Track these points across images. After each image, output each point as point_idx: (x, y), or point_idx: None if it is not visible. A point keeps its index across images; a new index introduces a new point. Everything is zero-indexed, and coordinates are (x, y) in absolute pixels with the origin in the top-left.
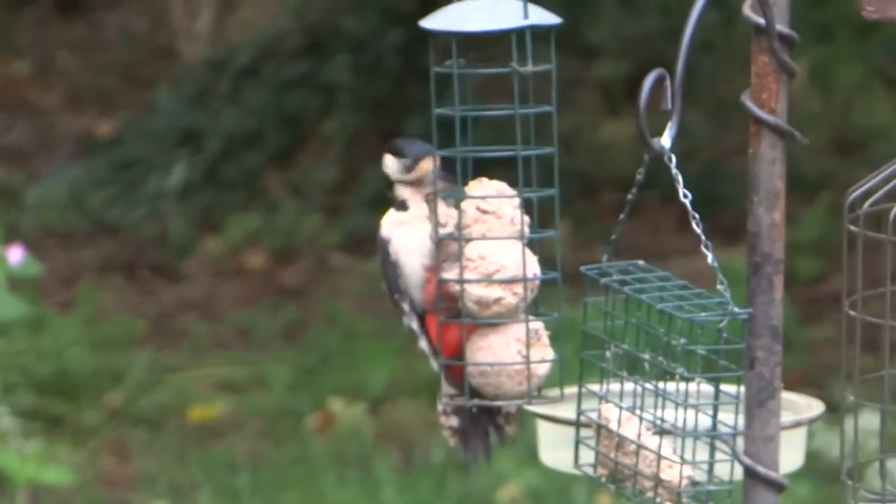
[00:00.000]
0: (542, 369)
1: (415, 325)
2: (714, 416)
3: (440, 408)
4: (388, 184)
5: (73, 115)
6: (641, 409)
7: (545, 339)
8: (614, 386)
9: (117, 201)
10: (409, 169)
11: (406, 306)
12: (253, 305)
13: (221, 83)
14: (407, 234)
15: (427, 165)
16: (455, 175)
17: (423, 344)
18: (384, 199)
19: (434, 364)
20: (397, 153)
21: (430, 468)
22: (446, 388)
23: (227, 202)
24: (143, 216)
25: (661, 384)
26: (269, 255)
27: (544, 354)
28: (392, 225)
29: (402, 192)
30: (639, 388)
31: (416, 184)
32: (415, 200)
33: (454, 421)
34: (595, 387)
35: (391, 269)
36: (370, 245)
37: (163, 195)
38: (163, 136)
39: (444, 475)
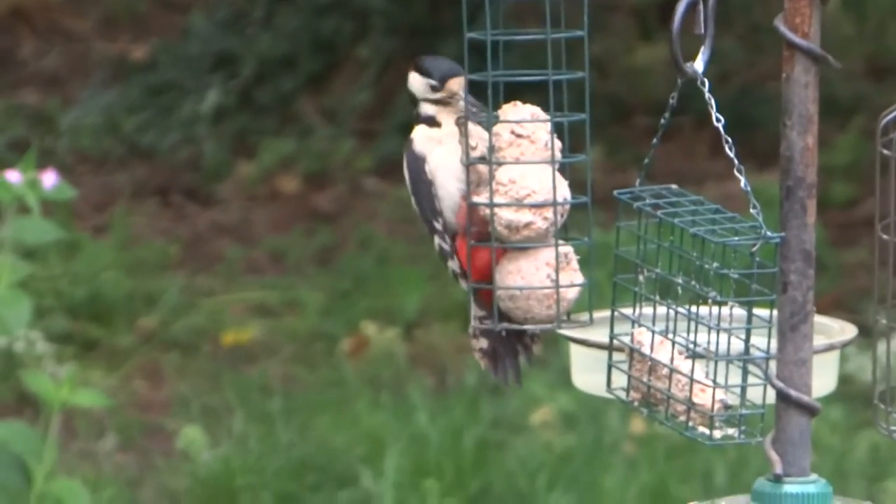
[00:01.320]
0: (571, 293)
1: (446, 245)
2: (746, 340)
3: (470, 330)
4: (413, 101)
5: (107, 40)
6: (674, 333)
7: (575, 264)
8: (647, 310)
9: (151, 126)
10: (435, 90)
11: (439, 226)
12: (286, 230)
13: (256, 7)
14: (445, 154)
15: (455, 85)
16: (485, 100)
17: (453, 264)
18: (413, 124)
19: (464, 285)
20: (423, 72)
21: (463, 392)
22: (476, 311)
23: (260, 127)
24: (176, 141)
25: (693, 308)
26: (303, 179)
27: (574, 279)
28: (426, 141)
29: (429, 109)
30: (671, 312)
31: (443, 103)
32: (445, 118)
33: (484, 342)
34: (628, 311)
35: (426, 188)
36: (401, 172)
37: (196, 120)
38: (197, 60)
39: (476, 399)
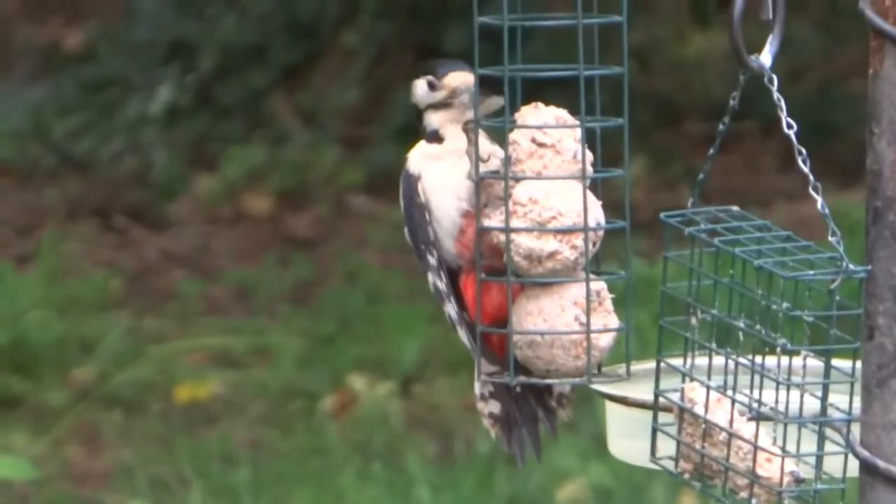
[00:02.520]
0: (604, 340)
1: (442, 284)
2: (824, 399)
3: (477, 390)
4: (418, 113)
5: (34, 23)
6: (734, 389)
7: (609, 304)
8: (701, 360)
9: (88, 131)
10: (433, 88)
11: (432, 259)
12: (255, 260)
13: None
14: (441, 170)
15: (455, 80)
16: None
17: (449, 308)
18: (414, 128)
19: (462, 335)
20: (425, 71)
21: (474, 462)
22: (485, 365)
23: (224, 132)
24: (120, 149)
25: (758, 358)
26: (276, 197)
27: (608, 322)
28: (422, 158)
29: (434, 120)
30: (731, 364)
31: (449, 108)
32: (450, 131)
33: (495, 406)
34: (677, 361)
35: (418, 211)
36: (399, 186)
37: (145, 123)
38: (144, 50)
39: (490, 470)
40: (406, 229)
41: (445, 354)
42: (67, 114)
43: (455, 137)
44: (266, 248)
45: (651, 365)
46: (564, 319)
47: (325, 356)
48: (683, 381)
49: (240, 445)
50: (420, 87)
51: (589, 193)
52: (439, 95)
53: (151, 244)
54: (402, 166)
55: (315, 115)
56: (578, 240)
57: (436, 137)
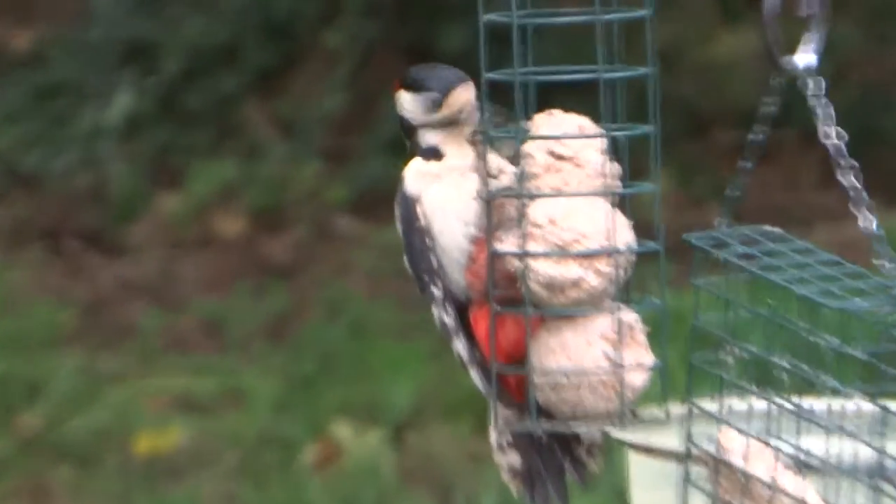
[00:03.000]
0: (637, 379)
1: (449, 318)
2: (879, 448)
3: (494, 440)
4: (407, 129)
5: None
6: (776, 436)
7: (641, 337)
8: (737, 404)
9: (37, 142)
10: (437, 106)
11: (437, 291)
12: (226, 289)
13: None
14: (444, 190)
15: (462, 97)
16: (510, 107)
17: (458, 346)
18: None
19: (475, 376)
20: (416, 86)
21: None
22: (502, 410)
23: (190, 143)
24: (72, 163)
25: (803, 401)
26: (249, 218)
27: (641, 358)
28: (421, 178)
29: (432, 136)
30: (772, 407)
31: (450, 124)
32: (451, 146)
33: (514, 457)
34: (710, 405)
35: (419, 238)
36: (390, 204)
37: (100, 134)
38: (100, 51)
39: None
40: (405, 257)
41: (444, 397)
42: (13, 123)
43: (457, 153)
44: (238, 275)
45: (682, 409)
46: (592, 356)
47: (306, 400)
48: (718, 426)
49: (209, 501)
50: (412, 101)
51: (616, 211)
52: (440, 116)
53: (108, 271)
54: (396, 184)
55: (293, 124)
56: (606, 265)
57: (434, 154)
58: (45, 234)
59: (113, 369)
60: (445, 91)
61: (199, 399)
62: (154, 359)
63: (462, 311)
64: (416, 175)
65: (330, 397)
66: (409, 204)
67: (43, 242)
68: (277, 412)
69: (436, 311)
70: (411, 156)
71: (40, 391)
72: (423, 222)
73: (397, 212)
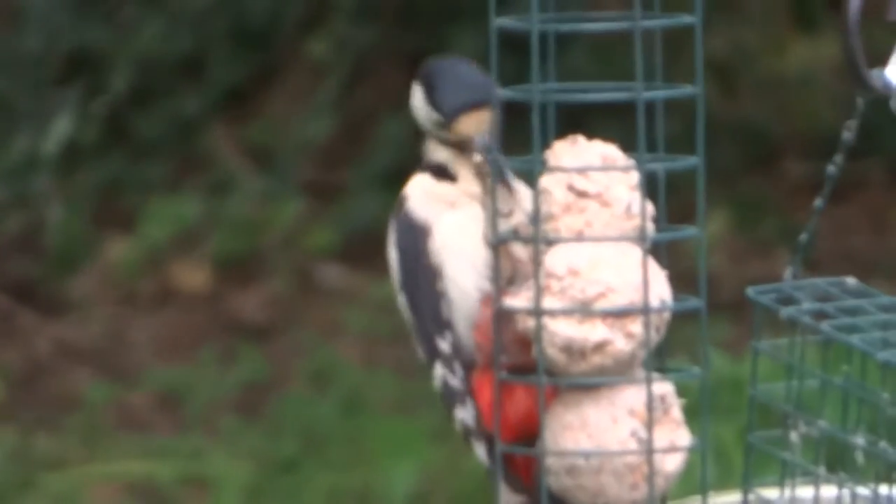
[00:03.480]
0: (671, 463)
1: (455, 380)
2: None
3: None
4: (419, 132)
5: None
6: None
7: (677, 412)
8: (804, 491)
9: None
10: (442, 126)
11: (446, 345)
12: (187, 355)
13: None
14: (462, 224)
15: (469, 126)
16: (525, 131)
17: (463, 413)
18: (409, 171)
19: (479, 450)
20: (427, 89)
21: None
22: (507, 497)
23: (143, 177)
24: (1, 201)
25: (883, 488)
26: (216, 268)
27: (675, 438)
28: (430, 201)
29: (440, 152)
30: (846, 495)
31: (457, 146)
32: (464, 167)
33: None
34: (772, 493)
35: (426, 279)
36: (385, 252)
37: (34, 166)
38: (35, 64)
39: None
40: (403, 298)
41: (451, 483)
42: None
43: (470, 177)
44: (202, 338)
45: (736, 498)
46: (617, 435)
47: (286, 487)
48: None
49: None
50: (420, 103)
51: (650, 261)
52: (447, 136)
53: (44, 334)
54: (397, 206)
55: (269, 153)
56: (636, 325)
57: (445, 174)
58: None
59: (51, 452)
60: (453, 115)
61: (155, 487)
62: (101, 439)
63: (470, 369)
64: (424, 197)
65: (315, 485)
66: (418, 235)
67: None
68: (251, 503)
69: (439, 369)
70: (420, 166)
71: None
72: (433, 260)
73: (393, 238)
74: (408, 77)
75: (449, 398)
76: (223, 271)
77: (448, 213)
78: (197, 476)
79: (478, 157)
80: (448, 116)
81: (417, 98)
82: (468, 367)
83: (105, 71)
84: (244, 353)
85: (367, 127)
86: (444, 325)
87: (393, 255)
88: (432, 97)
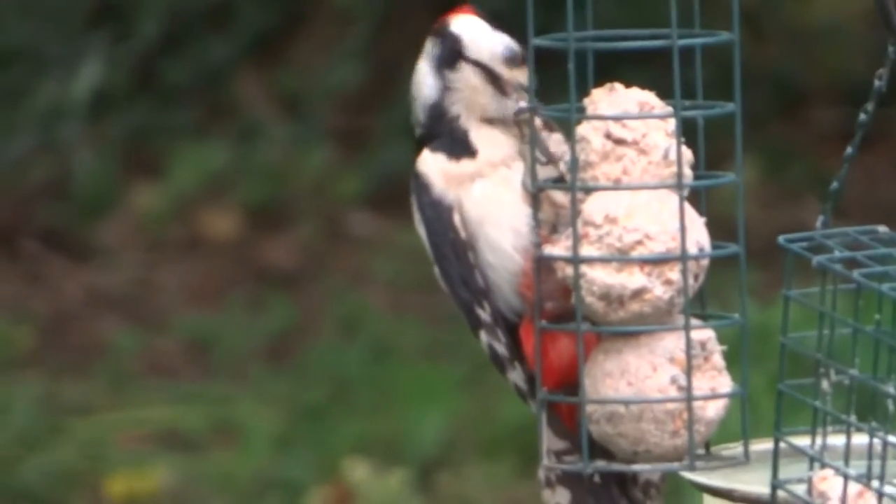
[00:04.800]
0: (711, 410)
1: (501, 346)
2: None
3: (541, 475)
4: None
5: None
6: (881, 478)
7: (718, 359)
8: (835, 440)
9: None
10: (514, 62)
11: (485, 315)
12: (216, 301)
13: None
14: (492, 193)
15: (521, 75)
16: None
17: (515, 377)
18: None
19: (534, 408)
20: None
21: None
22: (551, 442)
23: (172, 124)
24: (28, 148)
25: None
26: (244, 214)
27: (716, 385)
28: (452, 180)
29: (466, 115)
30: (877, 444)
31: (494, 94)
32: (483, 135)
33: (564, 496)
34: (802, 441)
35: (457, 251)
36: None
37: (63, 113)
38: (63, 11)
39: None
40: (438, 271)
41: (480, 431)
42: None
43: (492, 143)
44: (230, 284)
45: (767, 445)
46: (657, 383)
47: (314, 435)
48: (812, 467)
49: None
50: (486, 36)
51: (688, 207)
52: (509, 75)
53: (73, 279)
54: (413, 179)
55: (297, 100)
56: (674, 272)
57: (465, 149)
58: None
59: (79, 398)
60: (522, 56)
61: (183, 434)
62: (129, 386)
63: (513, 330)
64: (443, 176)
65: (343, 432)
66: (442, 212)
67: None
68: (279, 450)
69: (484, 337)
70: (422, 143)
71: None
72: (463, 235)
73: (419, 216)
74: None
75: (498, 364)
76: (251, 218)
77: (475, 187)
78: (225, 423)
79: (522, 103)
80: (519, 55)
81: (474, 29)
82: (512, 330)
83: (133, 17)
84: (272, 301)
85: (396, 74)
86: (482, 293)
87: (420, 230)
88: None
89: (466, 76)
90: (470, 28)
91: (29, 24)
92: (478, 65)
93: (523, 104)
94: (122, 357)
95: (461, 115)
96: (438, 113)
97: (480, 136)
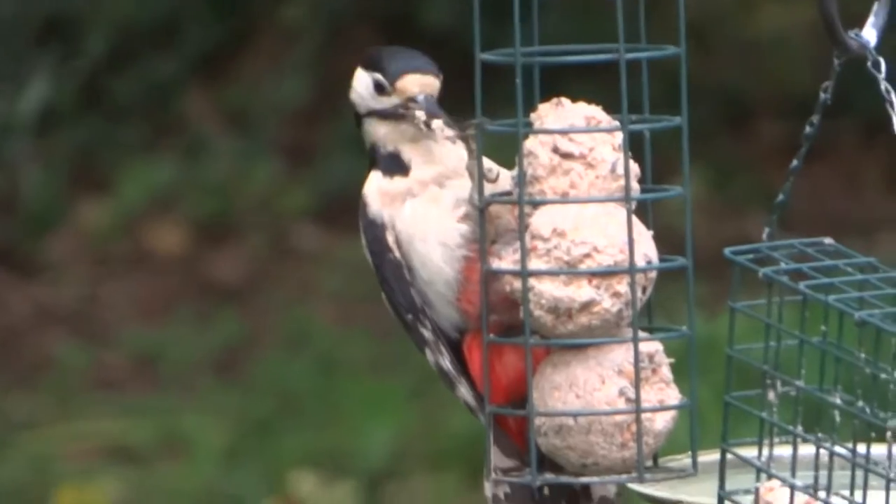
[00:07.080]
0: (660, 422)
1: (445, 361)
2: None
3: (488, 492)
4: (357, 119)
5: None
6: (828, 489)
7: (666, 371)
8: (782, 450)
9: None
10: (383, 91)
11: (426, 331)
12: (163, 316)
13: None
14: (419, 212)
15: (413, 84)
16: (508, 95)
17: (463, 393)
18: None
19: (484, 422)
20: (369, 65)
21: None
22: (499, 460)
23: (119, 140)
24: None
25: (861, 447)
26: (191, 229)
27: (664, 397)
28: (386, 198)
29: (379, 132)
30: (824, 455)
31: (399, 121)
32: (416, 154)
33: None
34: (749, 452)
35: (394, 271)
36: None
37: (10, 129)
38: (10, 28)
39: None
40: (383, 293)
41: (427, 443)
42: None
43: (424, 162)
44: (178, 299)
45: (714, 457)
46: (605, 395)
47: (261, 447)
48: (758, 478)
49: None
50: (360, 80)
51: (636, 221)
52: (388, 102)
53: (20, 294)
54: (360, 208)
55: (244, 116)
56: (622, 285)
57: (397, 164)
58: None
59: (27, 413)
60: (397, 74)
61: (131, 448)
62: (77, 400)
63: (457, 348)
64: (380, 197)
65: (290, 444)
66: (379, 232)
67: None
68: (227, 463)
69: (430, 356)
70: (371, 166)
71: None
72: (397, 254)
73: (364, 238)
74: (383, 40)
75: (445, 381)
76: (198, 233)
77: (406, 205)
78: (172, 437)
79: (421, 115)
80: (393, 75)
81: (356, 78)
82: (453, 344)
83: (81, 35)
84: (219, 315)
85: (342, 89)
86: (420, 311)
87: (366, 253)
88: (377, 65)
89: (368, 126)
90: (355, 82)
91: None
92: (369, 114)
93: (420, 114)
94: (70, 371)
95: (389, 143)
96: (371, 146)
97: (416, 153)
